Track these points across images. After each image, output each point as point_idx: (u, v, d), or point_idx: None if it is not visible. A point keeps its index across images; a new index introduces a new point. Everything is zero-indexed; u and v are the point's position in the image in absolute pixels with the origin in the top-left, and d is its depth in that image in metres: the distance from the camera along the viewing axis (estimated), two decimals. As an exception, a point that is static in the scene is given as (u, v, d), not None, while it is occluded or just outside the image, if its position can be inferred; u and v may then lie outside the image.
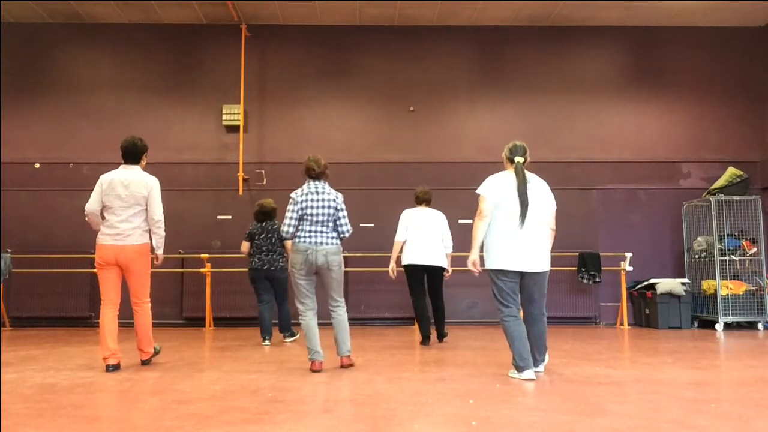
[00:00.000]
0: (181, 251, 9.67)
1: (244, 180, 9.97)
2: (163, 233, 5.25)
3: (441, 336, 7.11)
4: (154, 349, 5.45)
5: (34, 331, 8.87)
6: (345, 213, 5.24)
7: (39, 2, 9.56)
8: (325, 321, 5.46)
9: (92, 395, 3.90)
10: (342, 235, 5.21)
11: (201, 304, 9.32)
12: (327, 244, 5.10)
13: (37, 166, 9.97)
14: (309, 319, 5.14)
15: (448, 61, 10.33)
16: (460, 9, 9.79)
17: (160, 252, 5.33)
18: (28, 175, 9.96)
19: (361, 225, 9.83)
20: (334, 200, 5.20)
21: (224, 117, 9.95)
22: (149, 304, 5.27)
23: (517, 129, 10.24)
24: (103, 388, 4.18)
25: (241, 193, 9.95)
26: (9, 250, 9.34)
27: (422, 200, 7.17)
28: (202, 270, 9.23)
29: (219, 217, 9.92)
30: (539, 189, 4.89)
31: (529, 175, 4.90)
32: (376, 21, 10.21)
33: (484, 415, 3.26)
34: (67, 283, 9.56)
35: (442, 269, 7.00)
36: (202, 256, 9.23)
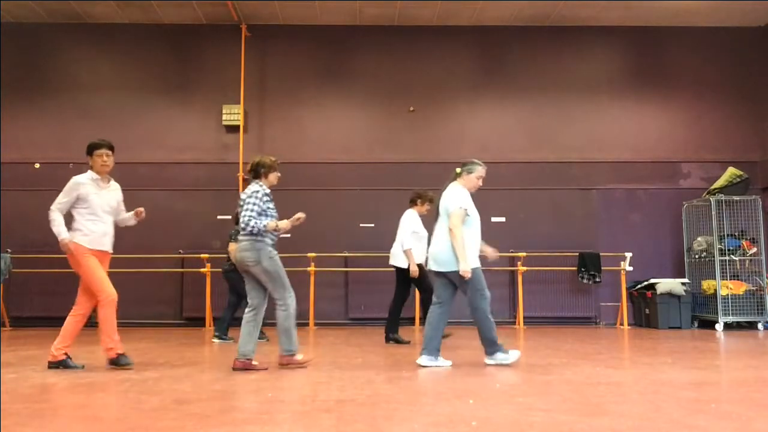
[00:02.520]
0: (181, 251, 9.68)
1: (244, 180, 9.97)
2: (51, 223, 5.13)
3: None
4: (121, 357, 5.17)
5: (34, 331, 8.87)
6: (247, 205, 5.07)
7: (39, 2, 9.56)
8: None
9: (92, 395, 3.90)
10: (244, 229, 5.03)
11: (201, 304, 9.33)
12: (239, 241, 5.11)
13: (37, 166, 9.97)
14: (244, 315, 5.09)
15: (448, 61, 10.33)
16: (460, 9, 9.79)
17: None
18: (28, 175, 9.95)
19: (361, 225, 9.85)
20: (246, 196, 5.14)
21: (224, 117, 9.95)
22: (101, 301, 5.06)
23: (516, 129, 10.25)
24: (103, 388, 4.17)
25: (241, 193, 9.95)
26: (9, 250, 9.34)
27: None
28: (202, 270, 9.23)
29: (219, 217, 9.91)
30: None
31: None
32: (376, 21, 10.21)
33: (484, 415, 3.26)
34: (67, 283, 9.53)
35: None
36: (202, 256, 9.23)
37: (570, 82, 10.32)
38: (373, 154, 10.10)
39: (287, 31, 10.32)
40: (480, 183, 5.65)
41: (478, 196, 9.91)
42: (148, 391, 4.00)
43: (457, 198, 5.40)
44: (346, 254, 9.68)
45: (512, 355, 5.24)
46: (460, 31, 10.36)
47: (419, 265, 6.94)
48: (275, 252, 5.17)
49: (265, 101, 10.22)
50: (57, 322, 9.47)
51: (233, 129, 10.06)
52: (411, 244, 6.99)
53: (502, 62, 10.37)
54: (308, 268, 9.41)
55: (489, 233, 10.02)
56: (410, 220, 7.12)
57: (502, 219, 10.01)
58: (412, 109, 10.21)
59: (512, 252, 9.79)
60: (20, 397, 3.84)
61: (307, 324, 9.36)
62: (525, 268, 9.50)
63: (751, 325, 9.15)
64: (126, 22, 10.24)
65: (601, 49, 10.42)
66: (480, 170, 5.60)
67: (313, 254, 9.39)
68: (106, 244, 5.21)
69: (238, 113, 9.93)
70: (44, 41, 10.21)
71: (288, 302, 5.11)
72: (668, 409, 3.40)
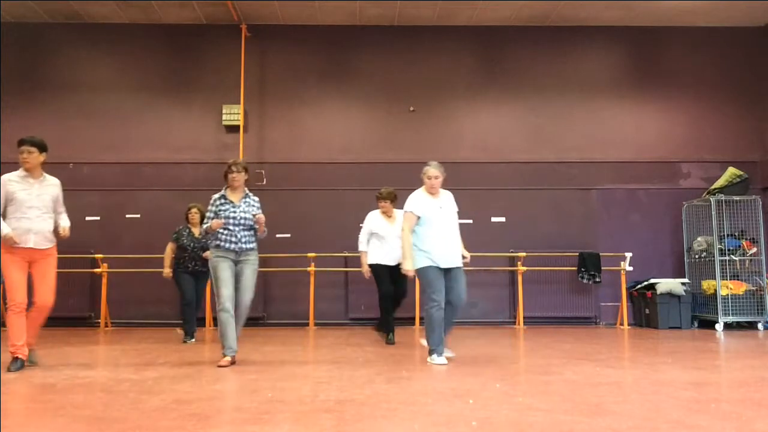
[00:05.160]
0: (181, 251, 9.66)
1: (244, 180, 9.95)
2: None
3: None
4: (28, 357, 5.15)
5: (34, 331, 8.86)
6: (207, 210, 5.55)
7: (39, 2, 9.56)
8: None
9: (92, 395, 3.90)
10: None
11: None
12: None
13: (37, 166, 9.95)
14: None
15: (448, 61, 10.32)
16: (460, 9, 9.79)
17: None
18: (28, 175, 9.93)
19: (361, 225, 9.82)
20: None
21: (224, 117, 9.95)
22: (8, 305, 5.03)
23: (516, 129, 10.25)
24: (103, 388, 4.18)
25: (241, 193, 9.94)
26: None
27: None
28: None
29: (219, 217, 9.90)
30: None
31: None
32: (376, 21, 10.21)
33: (484, 415, 3.26)
34: (67, 283, 9.54)
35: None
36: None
37: (570, 82, 10.31)
38: (373, 154, 10.10)
39: (287, 31, 10.32)
40: (434, 182, 5.65)
41: (478, 196, 10.01)
42: (148, 391, 4.00)
43: (408, 202, 5.61)
44: (346, 254, 9.67)
45: (438, 360, 5.28)
46: (460, 31, 10.36)
47: (394, 266, 6.91)
48: (219, 253, 5.40)
49: (265, 101, 10.22)
50: (57, 322, 9.49)
51: (233, 129, 10.06)
52: (364, 246, 7.13)
53: (502, 62, 10.37)
54: (308, 268, 9.41)
55: (489, 233, 10.07)
56: (367, 220, 7.23)
57: (502, 219, 10.01)
58: (412, 109, 10.21)
59: (512, 252, 9.79)
60: (20, 397, 3.84)
61: (307, 324, 9.36)
62: (525, 268, 9.50)
63: (751, 325, 9.15)
64: (126, 22, 10.24)
65: (601, 49, 10.42)
66: (427, 170, 5.65)
67: (313, 254, 9.39)
68: (32, 241, 5.14)
69: (238, 113, 9.93)
70: (44, 41, 10.20)
71: (219, 301, 5.32)
72: (668, 409, 3.40)
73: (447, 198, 5.74)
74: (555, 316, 9.72)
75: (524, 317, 9.51)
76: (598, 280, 9.49)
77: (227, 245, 5.36)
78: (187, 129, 10.12)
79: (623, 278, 9.49)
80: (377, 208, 7.28)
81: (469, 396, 3.79)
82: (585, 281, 9.53)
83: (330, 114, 10.21)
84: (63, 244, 9.65)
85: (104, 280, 9.36)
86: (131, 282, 9.57)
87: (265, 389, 4.06)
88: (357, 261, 9.62)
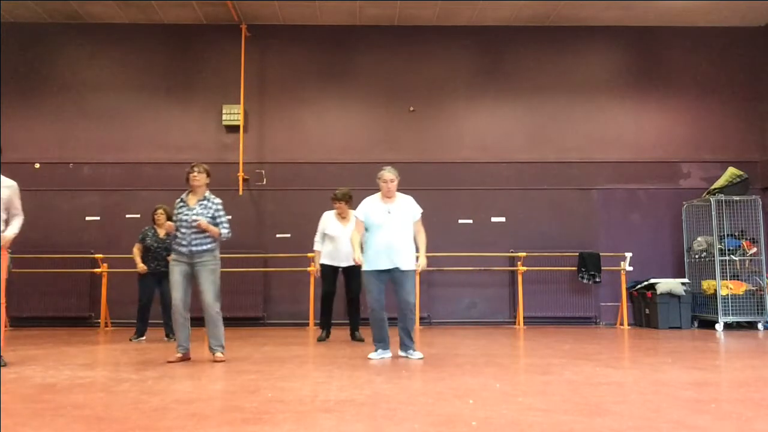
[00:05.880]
0: (181, 251, 9.66)
1: (244, 180, 9.96)
2: None
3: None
4: None
5: (34, 331, 8.87)
6: None
7: (39, 2, 9.56)
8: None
9: (92, 395, 3.90)
10: None
11: (201, 304, 9.30)
12: None
13: (37, 166, 9.97)
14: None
15: (448, 61, 10.33)
16: (460, 9, 9.79)
17: None
18: (28, 175, 9.93)
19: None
20: None
21: (224, 117, 9.95)
22: None
23: (516, 129, 10.25)
24: (103, 388, 4.17)
25: (241, 193, 9.95)
26: (9, 250, 9.32)
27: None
28: (202, 270, 9.21)
29: (219, 217, 9.90)
30: None
31: None
32: (376, 21, 10.21)
33: (484, 415, 3.26)
34: (67, 283, 9.56)
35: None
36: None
37: (570, 82, 10.31)
38: (373, 154, 10.09)
39: (287, 31, 10.32)
40: (389, 186, 5.75)
41: (478, 196, 10.01)
42: (148, 391, 4.00)
43: (359, 206, 5.83)
44: (346, 254, 9.66)
45: (374, 355, 5.68)
46: (460, 31, 10.36)
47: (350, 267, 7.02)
48: (174, 256, 5.64)
49: (265, 101, 10.22)
50: (57, 322, 9.53)
51: (233, 129, 10.06)
52: (318, 246, 7.28)
53: (502, 62, 10.37)
54: (308, 268, 9.40)
55: (489, 233, 10.07)
56: (321, 220, 7.33)
57: (502, 219, 10.01)
58: (412, 109, 10.21)
59: (512, 252, 9.79)
60: (20, 397, 3.84)
61: (307, 324, 9.36)
62: (525, 268, 9.50)
63: (751, 325, 9.15)
64: (126, 22, 10.24)
65: (601, 49, 10.42)
66: (382, 174, 5.77)
67: (313, 254, 9.37)
68: None
69: (238, 113, 9.93)
70: (44, 41, 10.21)
71: (172, 303, 5.59)
72: (668, 409, 3.40)
73: (403, 202, 5.77)
74: (555, 316, 9.72)
75: (524, 317, 9.51)
76: (598, 280, 9.49)
77: (179, 248, 5.53)
78: (187, 129, 10.12)
79: (623, 278, 9.49)
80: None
81: (469, 396, 3.79)
82: (585, 281, 9.53)
83: (330, 114, 10.21)
84: (63, 244, 9.71)
85: (104, 280, 9.36)
86: (131, 282, 9.54)
87: (265, 389, 4.06)
88: (357, 261, 9.65)
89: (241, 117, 9.93)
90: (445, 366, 5.19)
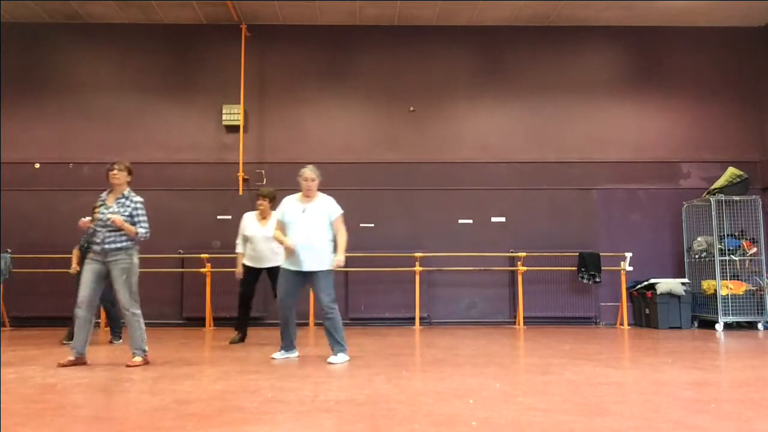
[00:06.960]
0: (181, 251, 9.67)
1: (244, 180, 9.97)
2: None
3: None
4: None
5: (34, 331, 8.87)
6: None
7: (39, 2, 9.56)
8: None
9: (92, 395, 3.90)
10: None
11: (201, 304, 9.32)
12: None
13: (37, 166, 9.97)
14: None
15: (448, 61, 10.33)
16: (460, 9, 9.79)
17: None
18: (28, 175, 9.95)
19: (361, 225, 9.83)
20: None
21: (224, 117, 9.95)
22: None
23: (516, 129, 10.25)
24: (103, 388, 4.18)
25: (241, 193, 9.95)
26: (9, 250, 9.34)
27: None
28: (202, 270, 9.23)
29: (219, 217, 9.92)
30: None
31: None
32: (376, 21, 10.21)
33: (484, 415, 3.26)
34: (67, 283, 9.53)
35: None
36: (202, 256, 9.23)
37: (570, 82, 10.31)
38: (373, 154, 10.10)
39: (287, 31, 10.32)
40: (310, 185, 5.69)
41: (478, 196, 10.01)
42: (148, 391, 4.00)
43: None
44: (347, 254, 9.66)
45: (277, 355, 5.72)
46: (460, 31, 10.36)
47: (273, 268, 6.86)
48: (90, 254, 5.53)
49: (265, 101, 10.22)
50: (57, 322, 9.52)
51: (233, 129, 10.06)
52: (239, 248, 7.14)
53: (502, 62, 10.37)
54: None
55: (489, 233, 10.07)
56: (241, 222, 7.18)
57: (502, 219, 10.01)
58: (412, 109, 10.21)
59: (512, 252, 9.79)
60: (20, 397, 3.84)
61: (307, 324, 9.35)
62: (525, 268, 9.50)
63: (751, 325, 9.15)
64: (126, 22, 10.24)
65: (601, 49, 10.42)
66: (303, 172, 5.70)
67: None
68: None
69: (238, 113, 9.93)
70: (44, 41, 10.20)
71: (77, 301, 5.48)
72: (668, 409, 3.40)
73: (321, 202, 5.68)
74: (555, 316, 9.72)
75: (524, 317, 9.51)
76: (598, 280, 9.49)
77: (94, 246, 5.45)
78: (187, 129, 10.12)
79: (623, 278, 9.49)
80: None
81: (469, 396, 3.79)
82: (585, 281, 9.53)
83: (330, 114, 10.21)
84: (63, 244, 9.70)
85: (104, 280, 9.35)
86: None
87: (265, 389, 4.06)
88: (358, 261, 9.66)
89: (241, 117, 9.93)
90: (445, 366, 5.19)
